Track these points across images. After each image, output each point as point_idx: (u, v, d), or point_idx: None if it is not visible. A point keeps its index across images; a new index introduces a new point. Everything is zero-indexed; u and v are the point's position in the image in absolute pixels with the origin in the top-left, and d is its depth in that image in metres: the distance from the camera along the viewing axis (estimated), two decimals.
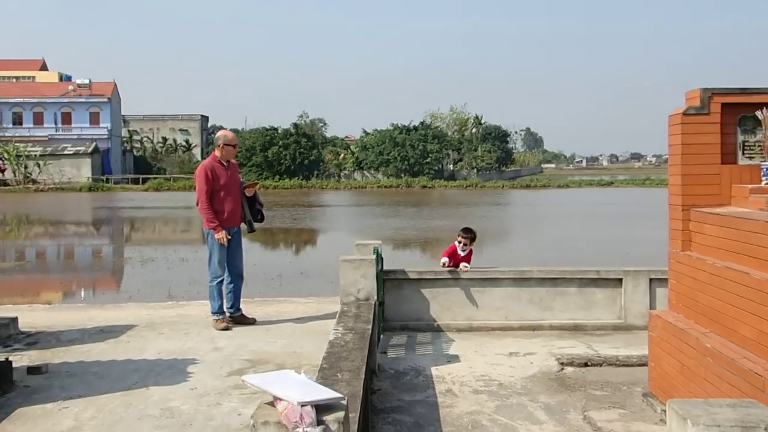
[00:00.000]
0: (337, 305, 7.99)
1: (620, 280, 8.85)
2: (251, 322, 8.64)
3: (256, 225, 8.85)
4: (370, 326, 6.44)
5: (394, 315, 8.85)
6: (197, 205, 8.46)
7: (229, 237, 8.44)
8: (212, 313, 8.52)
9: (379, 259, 8.40)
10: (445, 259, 9.02)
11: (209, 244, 8.50)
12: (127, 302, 11.86)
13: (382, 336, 8.38)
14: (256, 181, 9.15)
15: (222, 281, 8.51)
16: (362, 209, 45.02)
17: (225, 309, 8.60)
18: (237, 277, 8.67)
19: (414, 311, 8.88)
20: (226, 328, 8.35)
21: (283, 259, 21.42)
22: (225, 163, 8.55)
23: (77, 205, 50.87)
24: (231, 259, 8.61)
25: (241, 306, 8.80)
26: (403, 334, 8.65)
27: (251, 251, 22.56)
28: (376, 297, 7.86)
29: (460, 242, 9.12)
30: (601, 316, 8.89)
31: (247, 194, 8.69)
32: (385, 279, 8.73)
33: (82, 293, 15.49)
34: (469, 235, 9.14)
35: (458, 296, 8.88)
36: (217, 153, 8.56)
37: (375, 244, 8.59)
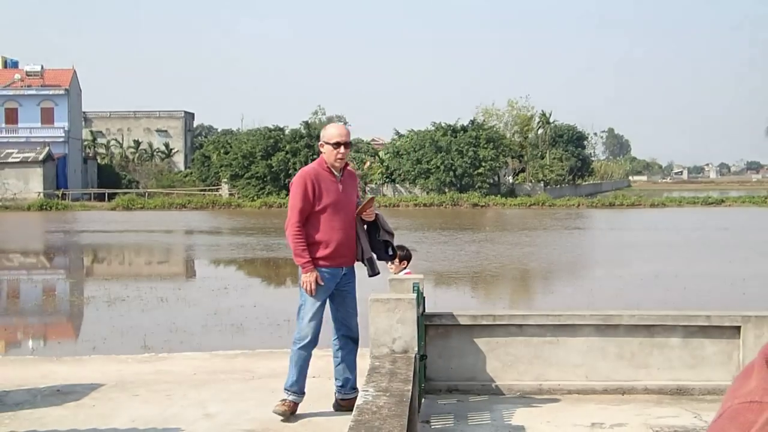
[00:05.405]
0: (366, 359, 7.98)
1: (738, 328, 8.76)
2: None
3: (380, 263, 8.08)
4: (410, 387, 6.43)
5: (439, 372, 8.83)
6: (286, 229, 7.66)
7: (321, 283, 7.71)
8: (285, 388, 7.75)
9: (421, 299, 8.40)
10: None
11: (301, 290, 7.84)
12: (90, 354, 11.93)
13: (423, 400, 8.36)
14: (371, 197, 8.31)
15: (310, 347, 7.72)
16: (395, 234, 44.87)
17: (336, 388, 7.94)
18: (348, 341, 7.93)
19: (465, 368, 8.85)
20: (284, 414, 7.52)
21: (291, 299, 21.38)
22: (336, 173, 7.77)
23: (24, 228, 51.39)
24: (340, 315, 7.93)
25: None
26: (452, 398, 8.62)
27: (249, 289, 22.68)
28: (416, 349, 7.85)
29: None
30: (712, 375, 8.80)
31: (364, 218, 7.95)
32: (428, 325, 8.71)
33: (31, 343, 15.61)
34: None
35: (524, 349, 8.84)
36: (324, 156, 7.77)
37: (415, 279, 8.59)
